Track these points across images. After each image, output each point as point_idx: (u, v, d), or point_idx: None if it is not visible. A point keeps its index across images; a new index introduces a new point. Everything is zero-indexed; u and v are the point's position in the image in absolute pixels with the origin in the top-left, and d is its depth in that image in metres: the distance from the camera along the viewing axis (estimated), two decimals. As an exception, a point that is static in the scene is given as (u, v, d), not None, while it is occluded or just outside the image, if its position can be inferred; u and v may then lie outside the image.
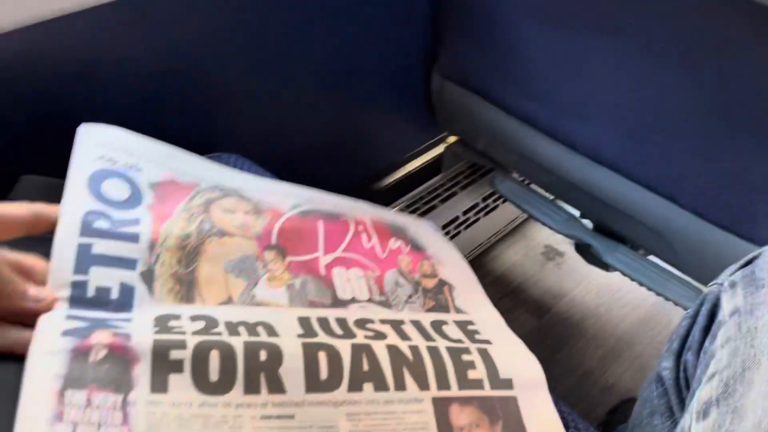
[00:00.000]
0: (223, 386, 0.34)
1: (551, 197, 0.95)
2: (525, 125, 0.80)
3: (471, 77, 0.83)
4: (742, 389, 0.33)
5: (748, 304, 0.37)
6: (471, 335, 0.45)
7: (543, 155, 0.80)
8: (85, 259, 0.36)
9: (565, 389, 0.97)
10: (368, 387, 0.38)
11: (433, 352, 0.41)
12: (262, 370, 0.35)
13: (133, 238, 0.39)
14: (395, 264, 0.50)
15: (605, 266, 0.89)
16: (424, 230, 0.56)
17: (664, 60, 0.56)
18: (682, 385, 0.42)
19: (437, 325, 0.45)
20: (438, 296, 0.49)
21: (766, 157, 0.57)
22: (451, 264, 0.53)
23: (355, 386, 0.37)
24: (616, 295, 1.09)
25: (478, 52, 0.79)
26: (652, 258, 0.83)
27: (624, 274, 0.85)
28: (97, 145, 0.42)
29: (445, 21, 0.81)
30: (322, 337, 0.39)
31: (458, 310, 0.48)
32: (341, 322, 0.41)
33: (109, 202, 0.40)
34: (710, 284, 0.42)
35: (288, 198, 0.49)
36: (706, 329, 0.40)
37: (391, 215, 0.55)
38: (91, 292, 0.35)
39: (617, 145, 0.70)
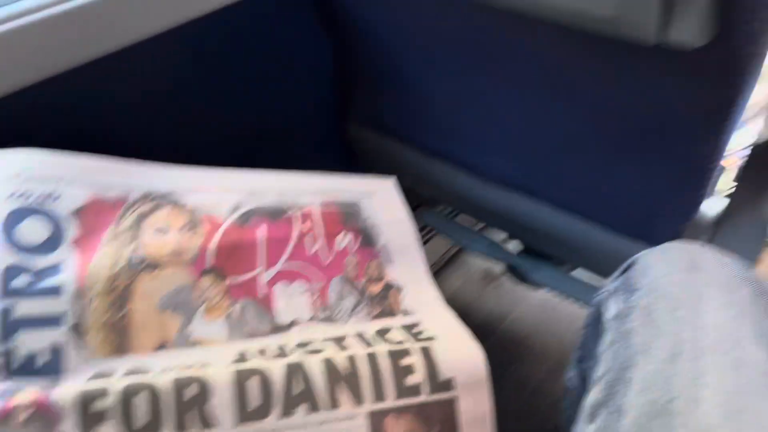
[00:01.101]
0: (152, 429, 0.34)
1: (480, 224, 0.99)
2: (440, 161, 0.84)
3: (384, 121, 0.87)
4: (623, 389, 0.36)
5: (625, 308, 0.40)
6: (415, 336, 0.45)
7: (461, 188, 0.84)
8: (8, 326, 0.35)
9: (516, 407, 1.00)
10: (301, 410, 0.37)
11: (372, 359, 0.41)
12: (191, 408, 0.35)
13: (57, 291, 0.37)
14: (341, 269, 0.48)
15: (537, 284, 0.94)
16: (380, 200, 0.53)
17: (543, 92, 0.61)
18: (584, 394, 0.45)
19: (382, 333, 0.45)
20: (384, 302, 0.48)
21: (653, 168, 0.63)
22: (402, 254, 0.51)
23: (287, 411, 0.37)
24: (555, 311, 1.13)
25: (386, 98, 0.84)
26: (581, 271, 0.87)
27: (553, 290, 0.89)
28: (9, 179, 0.40)
29: (352, 72, 0.85)
30: (255, 362, 0.38)
31: (405, 313, 0.48)
32: (281, 348, 0.41)
33: (27, 250, 0.38)
34: (598, 292, 0.46)
35: (227, 195, 0.47)
36: (597, 336, 0.43)
37: (345, 187, 0.53)
38: (18, 361, 0.34)
39: (521, 171, 0.74)
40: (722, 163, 0.68)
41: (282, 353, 0.40)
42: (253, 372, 0.37)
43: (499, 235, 1.00)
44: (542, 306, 1.14)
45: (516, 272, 0.95)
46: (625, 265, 0.45)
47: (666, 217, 0.67)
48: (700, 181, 0.61)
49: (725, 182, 0.69)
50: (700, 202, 0.64)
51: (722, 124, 0.53)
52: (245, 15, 0.72)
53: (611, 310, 0.42)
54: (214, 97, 0.74)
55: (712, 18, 0.42)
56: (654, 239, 0.68)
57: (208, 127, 0.75)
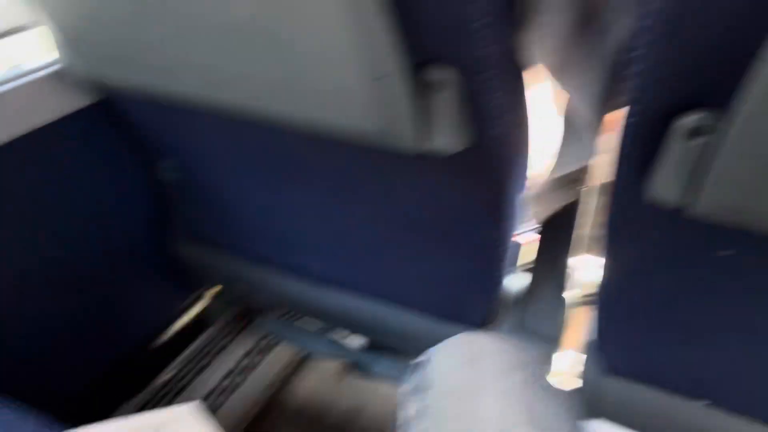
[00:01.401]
0: None
1: (321, 324, 0.99)
2: (269, 267, 0.84)
3: (209, 235, 0.86)
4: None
5: (421, 407, 0.42)
6: None
7: (293, 291, 0.84)
8: None
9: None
10: None
11: None
12: None
13: None
14: None
15: (383, 377, 0.94)
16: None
17: (342, 198, 0.64)
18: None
19: None
20: None
21: (453, 256, 0.67)
22: None
23: None
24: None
25: (207, 212, 0.83)
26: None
27: (396, 381, 0.91)
28: None
29: (171, 189, 0.84)
30: None
31: None
32: None
33: None
34: (400, 388, 0.47)
35: None
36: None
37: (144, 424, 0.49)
38: None
39: (342, 269, 0.76)
40: (518, 239, 0.75)
41: None
42: None
43: (343, 332, 1.00)
44: (394, 395, 1.14)
45: (362, 367, 0.95)
46: (416, 362, 0.47)
47: (474, 298, 0.71)
48: (496, 262, 0.66)
49: (524, 257, 0.75)
50: (500, 281, 0.69)
51: (498, 213, 0.58)
52: (48, 141, 0.70)
53: (410, 410, 0.43)
54: (23, 229, 0.69)
55: (463, 128, 0.47)
56: (469, 320, 0.72)
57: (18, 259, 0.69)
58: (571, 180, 0.55)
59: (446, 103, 0.45)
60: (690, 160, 0.37)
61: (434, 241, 0.65)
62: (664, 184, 0.40)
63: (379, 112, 0.46)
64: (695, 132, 0.37)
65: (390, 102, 0.45)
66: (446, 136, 0.47)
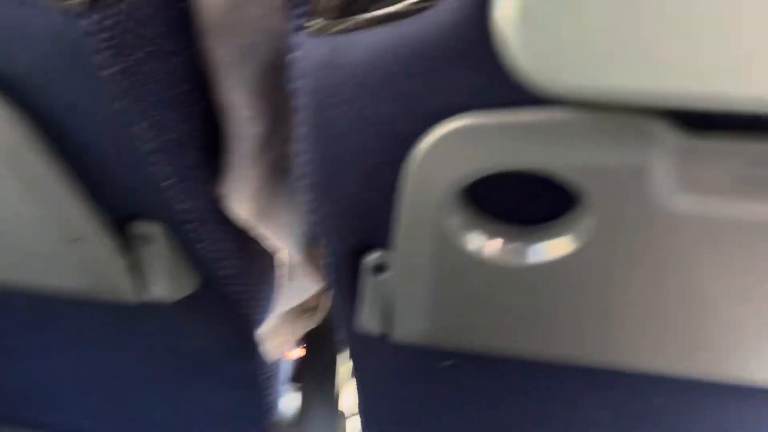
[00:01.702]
0: None
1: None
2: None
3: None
4: None
5: None
6: None
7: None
8: None
9: None
10: None
11: None
12: None
13: None
14: None
15: None
16: None
17: (97, 347, 0.59)
18: None
19: None
20: None
21: (218, 390, 0.65)
22: None
23: None
24: None
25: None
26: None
27: None
28: None
29: None
30: None
31: None
32: None
33: None
34: None
35: None
36: None
37: None
38: None
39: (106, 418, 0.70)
40: (289, 356, 0.75)
41: None
42: None
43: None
44: None
45: None
46: None
47: (248, 428, 0.69)
48: (262, 390, 0.65)
49: (293, 374, 0.75)
50: (272, 406, 0.68)
51: (249, 344, 0.57)
52: None
53: None
54: None
55: (186, 273, 0.47)
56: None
57: None
58: (310, 307, 0.57)
59: (158, 254, 0.45)
60: (380, 294, 0.41)
61: (195, 378, 0.62)
62: (367, 316, 0.42)
63: (86, 270, 0.44)
64: (378, 269, 0.40)
65: (94, 260, 0.43)
66: (164, 285, 0.46)
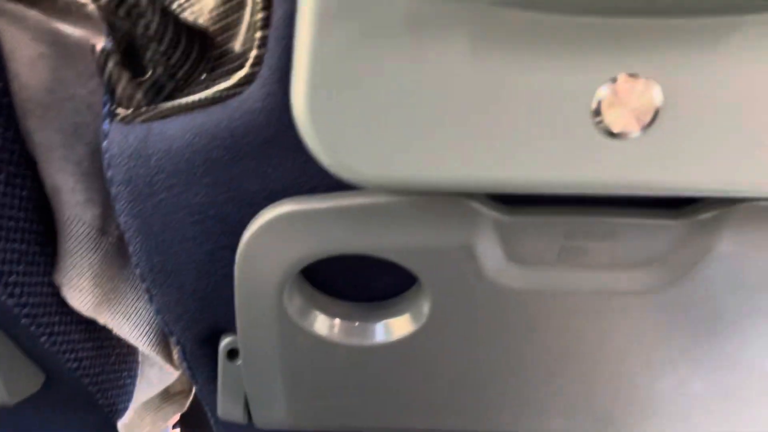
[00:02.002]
0: None
1: None
2: None
3: None
4: None
5: None
6: None
7: None
8: None
9: None
10: None
11: None
12: None
13: None
14: None
15: None
16: None
17: None
18: None
19: None
20: None
21: None
22: None
23: None
24: None
25: None
26: None
27: None
28: None
29: None
30: None
31: None
32: None
33: None
34: None
35: None
36: None
37: None
38: None
39: None
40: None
41: None
42: None
43: None
44: None
45: None
46: None
47: None
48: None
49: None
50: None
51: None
52: None
53: None
54: None
55: (29, 371, 0.43)
56: None
57: None
58: (177, 392, 0.53)
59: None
60: (236, 380, 0.38)
61: None
62: (226, 403, 0.40)
63: None
64: (232, 354, 0.38)
65: None
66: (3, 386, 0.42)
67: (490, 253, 0.27)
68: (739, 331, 0.31)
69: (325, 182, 0.26)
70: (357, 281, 0.32)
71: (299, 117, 0.22)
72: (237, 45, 0.26)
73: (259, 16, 0.23)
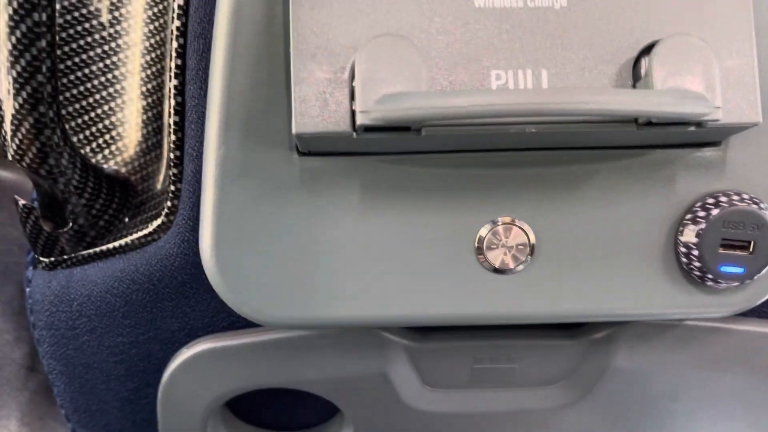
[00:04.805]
0: None
1: None
2: None
3: None
4: None
5: None
6: None
7: None
8: None
9: None
10: None
11: None
12: None
13: None
14: None
15: None
16: None
17: None
18: None
19: None
20: None
21: None
22: None
23: None
24: None
25: None
26: None
27: None
28: None
29: None
30: None
31: None
32: None
33: None
34: None
35: None
36: None
37: None
38: None
39: None
40: None
41: None
42: None
43: None
44: None
45: None
46: None
47: None
48: None
49: None
50: None
51: None
52: None
53: None
54: None
55: None
56: None
57: None
58: None
59: None
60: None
61: None
62: None
63: None
64: None
65: None
66: None
67: (405, 378, 0.28)
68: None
69: (242, 318, 0.27)
70: (282, 411, 0.32)
71: (207, 265, 0.23)
72: (155, 193, 0.28)
73: (173, 171, 0.25)
